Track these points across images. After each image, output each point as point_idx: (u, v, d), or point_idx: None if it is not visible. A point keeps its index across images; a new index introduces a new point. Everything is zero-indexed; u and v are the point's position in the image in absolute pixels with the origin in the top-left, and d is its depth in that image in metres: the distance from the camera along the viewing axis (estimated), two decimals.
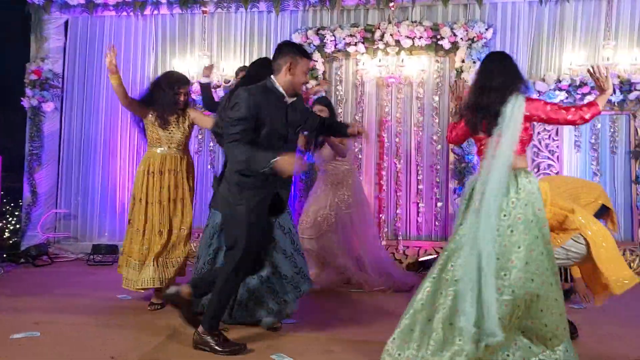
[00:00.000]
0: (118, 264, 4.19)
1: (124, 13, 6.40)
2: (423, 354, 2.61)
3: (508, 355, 2.59)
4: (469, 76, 5.62)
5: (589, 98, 5.49)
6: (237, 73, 4.65)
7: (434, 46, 5.82)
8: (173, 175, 4.06)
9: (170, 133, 4.06)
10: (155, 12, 6.36)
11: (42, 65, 6.34)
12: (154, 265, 3.93)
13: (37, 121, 6.38)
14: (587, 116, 2.73)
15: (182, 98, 4.06)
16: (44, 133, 6.40)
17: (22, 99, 6.37)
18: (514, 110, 2.63)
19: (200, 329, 3.11)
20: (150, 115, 4.03)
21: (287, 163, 2.78)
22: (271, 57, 3.14)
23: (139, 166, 4.16)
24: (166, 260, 4.01)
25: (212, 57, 6.30)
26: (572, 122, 2.75)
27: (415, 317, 2.69)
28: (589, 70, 2.97)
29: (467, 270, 2.57)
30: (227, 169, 3.10)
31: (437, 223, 5.88)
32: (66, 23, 6.59)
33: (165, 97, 3.97)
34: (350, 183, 4.86)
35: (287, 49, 3.03)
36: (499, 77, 2.75)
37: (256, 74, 3.25)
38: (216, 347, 3.07)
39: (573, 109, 2.75)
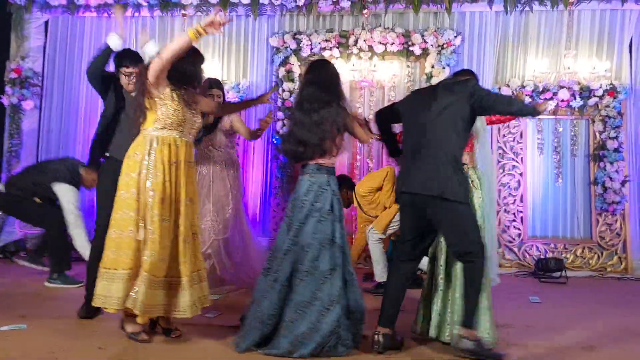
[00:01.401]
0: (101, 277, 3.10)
1: (105, 14, 6.50)
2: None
3: None
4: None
5: (551, 103, 5.82)
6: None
7: (405, 52, 6.08)
8: (194, 168, 3.32)
9: (194, 116, 3.22)
10: (136, 14, 6.46)
11: (22, 64, 6.42)
12: (190, 286, 3.11)
13: (16, 119, 6.46)
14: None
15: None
16: (23, 130, 6.48)
17: (1, 96, 6.43)
18: (483, 121, 3.59)
19: (467, 332, 2.86)
20: (170, 91, 3.12)
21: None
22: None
23: (147, 153, 3.06)
24: (199, 276, 3.23)
25: None
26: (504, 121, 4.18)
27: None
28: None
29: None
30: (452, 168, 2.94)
31: None
32: (46, 23, 6.66)
33: (194, 69, 3.22)
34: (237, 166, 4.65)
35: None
36: None
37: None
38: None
39: None
